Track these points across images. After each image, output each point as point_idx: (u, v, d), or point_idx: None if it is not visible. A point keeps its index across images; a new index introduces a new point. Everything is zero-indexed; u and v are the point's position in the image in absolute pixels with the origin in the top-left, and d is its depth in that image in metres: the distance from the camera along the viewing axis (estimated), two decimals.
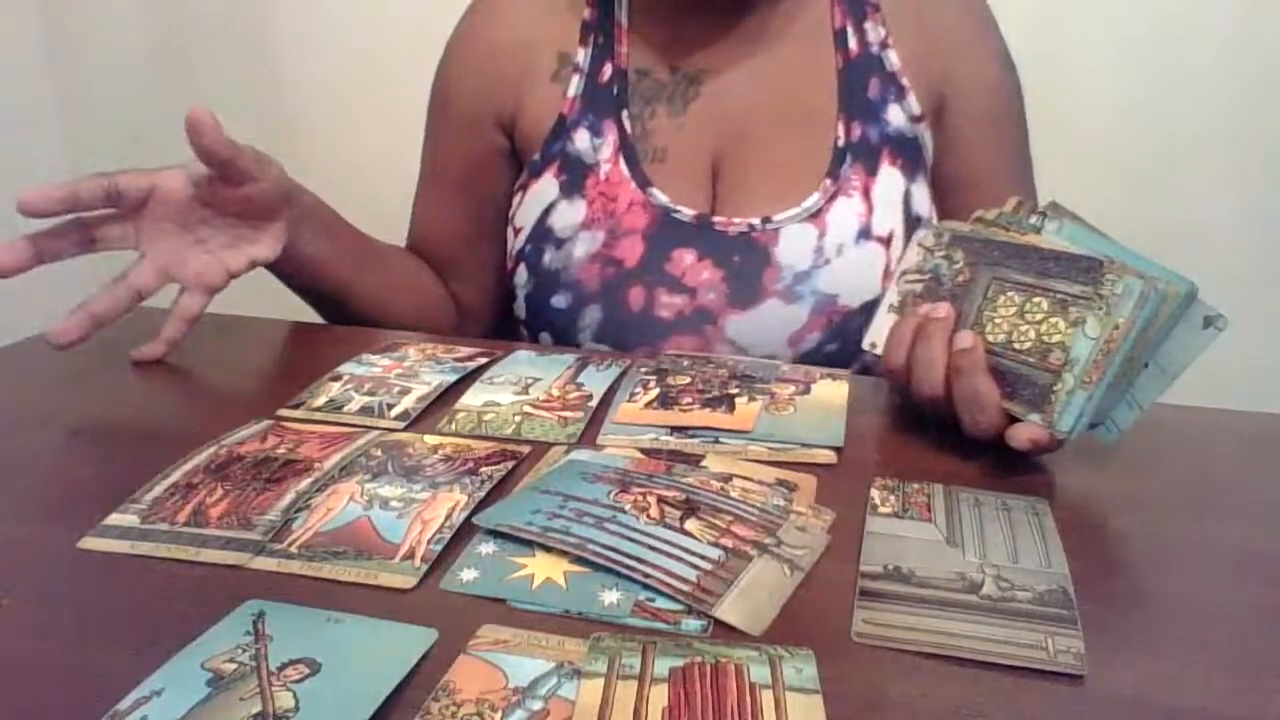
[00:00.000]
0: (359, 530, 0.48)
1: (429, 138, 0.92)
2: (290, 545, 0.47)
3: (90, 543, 0.48)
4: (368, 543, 0.47)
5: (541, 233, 0.82)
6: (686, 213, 0.79)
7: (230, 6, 1.63)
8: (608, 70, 0.83)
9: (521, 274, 0.84)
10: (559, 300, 0.81)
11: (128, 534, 0.49)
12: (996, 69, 0.86)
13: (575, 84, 0.83)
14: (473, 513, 0.50)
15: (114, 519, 0.50)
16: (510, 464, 0.55)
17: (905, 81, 0.82)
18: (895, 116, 0.81)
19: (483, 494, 0.52)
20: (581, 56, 0.84)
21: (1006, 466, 0.57)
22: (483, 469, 0.54)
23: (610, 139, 0.81)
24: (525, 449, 0.58)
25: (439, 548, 0.47)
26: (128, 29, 1.68)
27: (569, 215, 0.81)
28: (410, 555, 0.46)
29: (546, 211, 0.82)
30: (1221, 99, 1.36)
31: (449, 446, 0.58)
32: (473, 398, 0.65)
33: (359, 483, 0.53)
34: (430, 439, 0.59)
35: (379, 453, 0.56)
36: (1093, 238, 0.60)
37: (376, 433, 0.59)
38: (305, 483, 0.53)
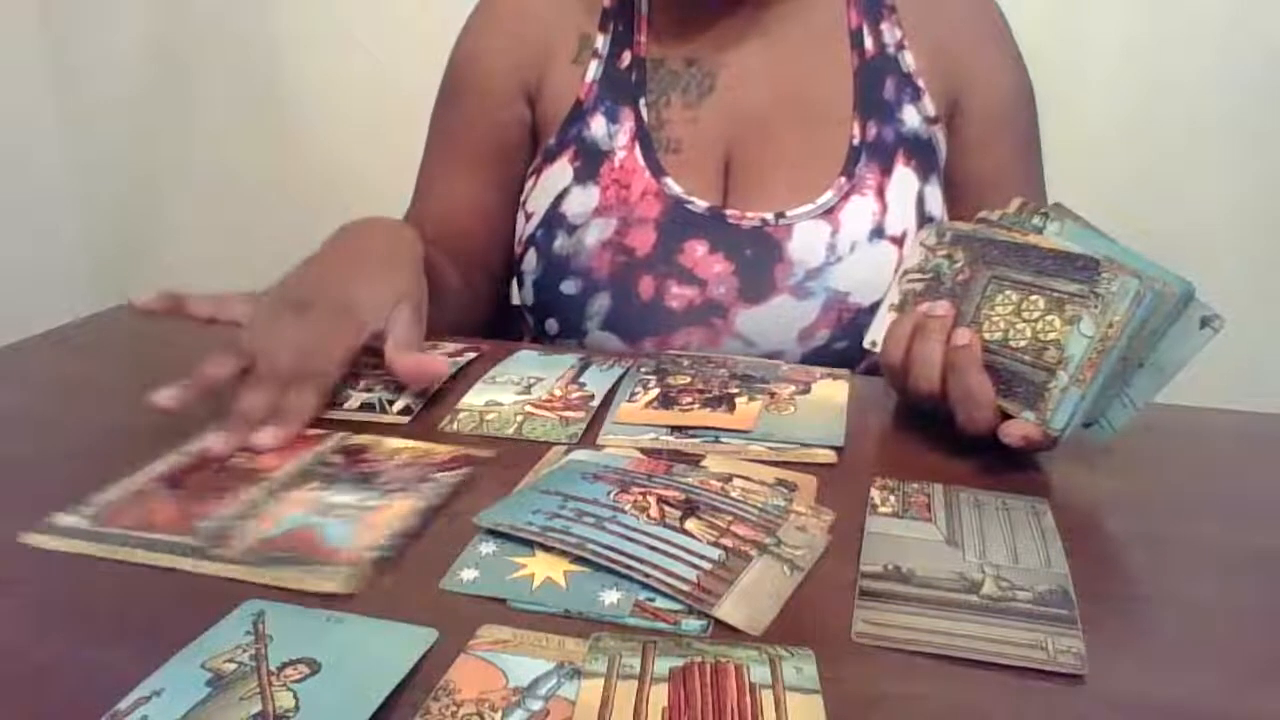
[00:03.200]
0: (303, 537, 0.48)
1: (449, 107, 0.90)
2: (234, 551, 0.47)
3: (35, 539, 0.48)
4: (310, 548, 0.47)
5: (554, 218, 0.82)
6: (700, 204, 0.79)
7: (229, 7, 1.63)
8: (626, 58, 0.83)
9: (530, 259, 0.83)
10: (568, 286, 0.81)
11: (74, 533, 0.48)
12: (1010, 72, 0.86)
13: (593, 69, 0.83)
14: (425, 519, 0.49)
15: (62, 518, 0.50)
16: (467, 469, 0.55)
17: (921, 83, 0.82)
18: (910, 117, 0.82)
19: (436, 502, 0.51)
20: (601, 42, 0.84)
21: (1006, 466, 0.57)
22: (438, 475, 0.54)
23: (627, 126, 0.82)
24: (488, 453, 0.57)
25: (382, 554, 0.46)
26: (128, 30, 1.68)
27: (582, 201, 0.81)
28: (352, 562, 0.46)
29: (560, 197, 0.82)
30: (1221, 101, 1.36)
31: (407, 453, 0.57)
32: (475, 397, 0.65)
33: (311, 490, 0.53)
34: (391, 443, 0.58)
35: (337, 459, 0.56)
36: (1094, 238, 0.60)
37: (339, 436, 0.59)
38: (253, 491, 0.52)
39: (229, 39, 1.64)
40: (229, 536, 0.48)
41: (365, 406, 0.63)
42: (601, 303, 0.80)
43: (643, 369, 0.69)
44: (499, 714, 0.36)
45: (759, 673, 0.38)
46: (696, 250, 0.78)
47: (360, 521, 0.49)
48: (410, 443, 0.58)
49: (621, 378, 0.68)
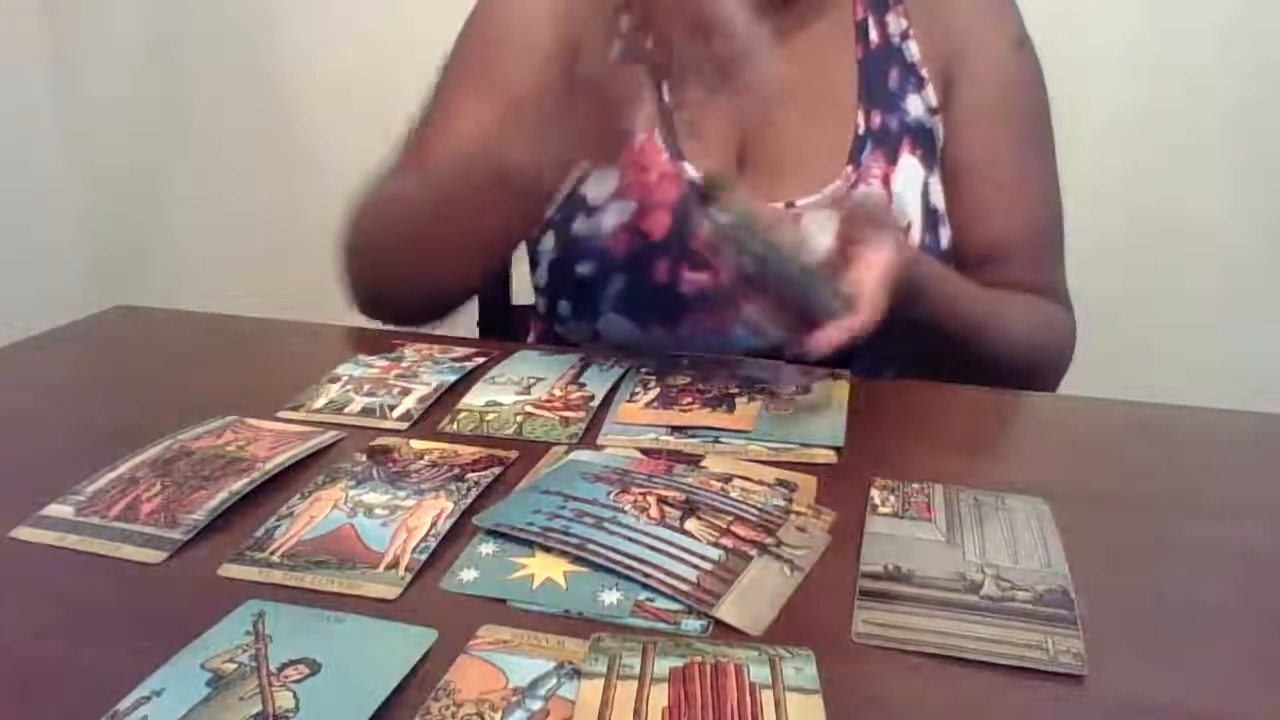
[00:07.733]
0: (342, 538, 0.48)
1: (484, 43, 0.86)
2: (272, 554, 0.47)
3: (23, 533, 0.48)
4: (351, 551, 0.47)
5: (575, 200, 0.82)
6: None
7: (229, 7, 1.63)
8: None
9: (548, 241, 0.83)
10: (584, 268, 0.81)
11: (59, 525, 0.49)
12: (1010, 58, 0.86)
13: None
14: (459, 520, 0.49)
15: (52, 509, 0.50)
16: (497, 469, 0.55)
17: (924, 73, 0.83)
18: (914, 107, 0.82)
19: (469, 501, 0.51)
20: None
21: (1006, 467, 0.57)
22: (469, 475, 0.54)
23: (647, 109, 0.81)
24: (512, 454, 0.57)
25: (424, 556, 0.46)
26: (128, 29, 1.68)
27: (602, 183, 0.81)
28: (394, 564, 0.46)
29: (581, 179, 0.82)
30: (1223, 97, 1.36)
31: (435, 452, 0.57)
32: (475, 397, 0.65)
33: (343, 489, 0.52)
34: (417, 444, 0.58)
35: (364, 458, 0.56)
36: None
37: (332, 433, 0.59)
38: (240, 482, 0.52)
39: (229, 39, 1.64)
40: (268, 539, 0.48)
41: (366, 411, 0.63)
42: (616, 285, 0.80)
43: (643, 369, 0.69)
44: (499, 714, 0.36)
45: (759, 673, 0.38)
46: None
47: (397, 522, 0.49)
48: (434, 444, 0.58)
49: (622, 378, 0.68)
